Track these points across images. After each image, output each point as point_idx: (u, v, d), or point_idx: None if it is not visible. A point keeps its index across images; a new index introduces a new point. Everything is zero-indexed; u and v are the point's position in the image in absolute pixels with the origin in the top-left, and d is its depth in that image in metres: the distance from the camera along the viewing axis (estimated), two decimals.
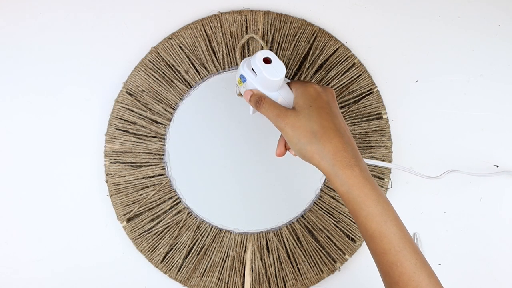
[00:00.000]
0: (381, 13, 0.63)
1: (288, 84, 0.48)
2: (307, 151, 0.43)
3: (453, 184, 0.62)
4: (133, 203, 0.59)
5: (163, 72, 0.60)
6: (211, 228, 0.59)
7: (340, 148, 0.42)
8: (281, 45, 0.60)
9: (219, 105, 0.60)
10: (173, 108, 0.60)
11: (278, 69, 0.46)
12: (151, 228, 0.59)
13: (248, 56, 0.60)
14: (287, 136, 0.45)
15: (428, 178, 0.55)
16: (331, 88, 0.48)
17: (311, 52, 0.61)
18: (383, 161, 0.61)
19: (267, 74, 0.45)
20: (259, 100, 0.47)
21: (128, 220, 0.59)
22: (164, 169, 0.59)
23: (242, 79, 0.48)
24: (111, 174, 0.59)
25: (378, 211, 0.41)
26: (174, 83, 0.60)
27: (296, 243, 0.60)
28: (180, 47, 0.60)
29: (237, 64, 0.60)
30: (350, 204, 0.42)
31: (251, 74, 0.47)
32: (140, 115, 0.59)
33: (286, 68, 0.60)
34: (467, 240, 0.62)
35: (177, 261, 0.59)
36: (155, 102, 0.59)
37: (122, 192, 0.59)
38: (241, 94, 0.52)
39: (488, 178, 0.62)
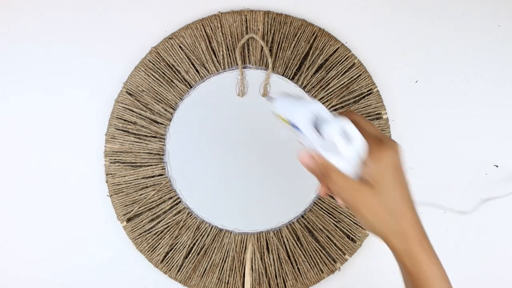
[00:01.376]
0: (381, 13, 0.63)
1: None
2: (380, 228, 0.39)
3: (453, 185, 0.62)
4: (133, 203, 0.59)
5: (163, 72, 0.60)
6: (211, 228, 0.59)
7: (414, 226, 0.39)
8: (281, 45, 0.60)
9: (219, 105, 0.60)
10: (173, 108, 0.60)
11: (360, 148, 0.36)
12: (151, 228, 0.59)
13: (248, 55, 0.60)
14: (360, 217, 0.40)
15: (462, 214, 0.53)
16: (399, 145, 0.40)
17: (311, 52, 0.60)
18: None
19: (345, 154, 0.36)
20: (326, 172, 0.39)
21: (128, 220, 0.59)
22: (164, 169, 0.59)
23: (295, 128, 0.38)
24: (111, 174, 0.59)
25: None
26: (174, 83, 0.60)
27: (296, 243, 0.60)
28: (180, 47, 0.60)
29: (237, 64, 0.59)
30: (415, 282, 0.40)
31: (315, 135, 0.37)
32: (140, 115, 0.59)
33: (286, 69, 0.60)
34: (467, 240, 0.62)
35: (177, 261, 0.59)
36: (155, 102, 0.59)
37: (122, 192, 0.59)
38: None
39: (488, 179, 0.62)
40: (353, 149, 0.36)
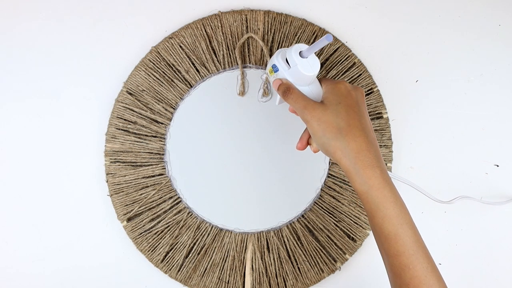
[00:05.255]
0: (381, 12, 0.63)
1: (319, 80, 0.48)
2: (331, 146, 0.43)
3: (453, 184, 0.62)
4: (133, 203, 0.59)
5: (163, 72, 0.60)
6: (212, 228, 0.59)
7: (364, 147, 0.42)
8: (282, 45, 0.60)
9: (219, 104, 0.60)
10: (173, 108, 0.60)
11: (313, 64, 0.45)
12: (151, 227, 0.59)
13: (249, 55, 0.60)
14: (312, 129, 0.45)
15: (440, 202, 0.55)
16: (361, 88, 0.48)
17: None
18: (385, 163, 0.61)
19: (301, 68, 0.45)
20: (287, 90, 0.47)
21: (129, 219, 0.59)
22: (165, 168, 0.59)
23: (274, 68, 0.48)
24: (112, 173, 0.59)
25: (395, 214, 0.41)
26: (174, 82, 0.60)
27: (297, 243, 0.60)
28: (180, 46, 0.60)
29: (237, 64, 0.60)
30: (367, 204, 0.42)
31: (285, 65, 0.47)
32: (141, 114, 0.59)
33: None
34: (468, 240, 0.62)
35: (177, 261, 0.59)
36: (156, 102, 0.59)
37: (123, 191, 0.59)
38: (268, 82, 0.52)
39: (489, 179, 0.62)
40: (307, 62, 0.45)
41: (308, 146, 0.50)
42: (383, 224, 0.41)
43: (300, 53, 0.45)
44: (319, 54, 0.60)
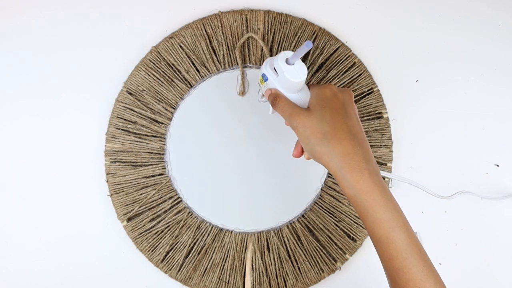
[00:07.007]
0: (381, 12, 0.63)
1: (308, 86, 0.48)
2: (317, 151, 0.43)
3: (454, 184, 0.62)
4: (133, 203, 0.59)
5: (163, 72, 0.60)
6: (212, 228, 0.59)
7: (350, 150, 0.41)
8: (282, 45, 0.60)
9: (219, 104, 0.60)
10: (173, 108, 0.60)
11: (299, 71, 0.45)
12: (151, 227, 0.59)
13: (249, 54, 0.60)
14: (299, 136, 0.44)
15: (440, 197, 0.55)
16: (349, 89, 0.47)
17: (311, 52, 0.61)
18: (385, 162, 0.61)
19: (288, 75, 0.45)
20: (274, 99, 0.47)
21: (129, 219, 0.59)
22: (165, 168, 0.59)
23: (264, 78, 0.48)
24: (112, 173, 0.59)
25: (386, 217, 0.40)
26: (174, 82, 0.60)
27: (297, 243, 0.60)
28: (180, 46, 0.60)
29: (237, 64, 0.60)
30: (357, 208, 0.41)
31: (273, 74, 0.47)
32: (141, 114, 0.59)
33: None
34: (468, 240, 0.62)
35: (177, 261, 0.59)
36: (156, 102, 0.59)
37: (123, 191, 0.59)
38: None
39: (489, 179, 0.62)
40: (294, 69, 0.45)
41: (302, 154, 0.49)
42: (374, 228, 0.41)
43: (286, 60, 0.45)
44: (319, 54, 0.60)
